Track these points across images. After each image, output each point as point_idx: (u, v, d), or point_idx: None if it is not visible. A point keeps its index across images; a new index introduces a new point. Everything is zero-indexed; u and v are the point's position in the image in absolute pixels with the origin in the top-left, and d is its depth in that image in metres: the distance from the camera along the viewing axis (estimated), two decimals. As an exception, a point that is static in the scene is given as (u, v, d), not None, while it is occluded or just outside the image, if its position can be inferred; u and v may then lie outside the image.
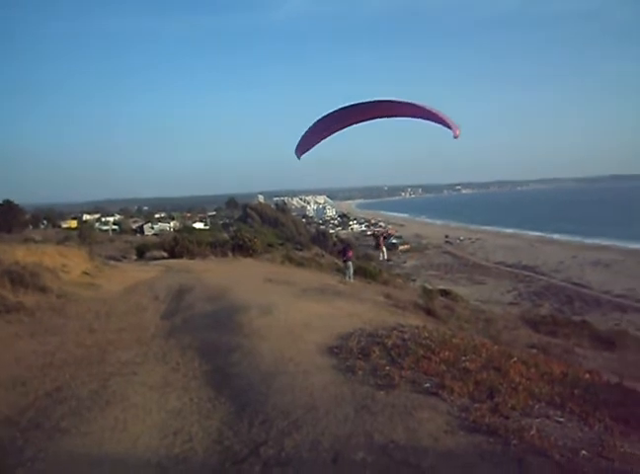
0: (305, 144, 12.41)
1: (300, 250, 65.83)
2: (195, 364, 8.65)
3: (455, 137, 10.73)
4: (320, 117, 12.00)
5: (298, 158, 12.50)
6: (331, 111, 11.86)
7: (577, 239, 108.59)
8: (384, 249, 25.00)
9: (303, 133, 12.28)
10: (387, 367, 7.14)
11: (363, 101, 11.45)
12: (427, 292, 22.97)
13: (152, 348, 9.96)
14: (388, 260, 24.02)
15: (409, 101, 11.23)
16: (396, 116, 11.84)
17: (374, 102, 11.41)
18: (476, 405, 5.80)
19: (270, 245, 45.17)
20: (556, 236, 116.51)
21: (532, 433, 5.00)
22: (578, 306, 55.74)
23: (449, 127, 10.81)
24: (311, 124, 12.23)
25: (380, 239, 25.80)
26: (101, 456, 5.43)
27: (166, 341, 10.46)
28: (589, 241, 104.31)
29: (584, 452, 4.74)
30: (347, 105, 11.70)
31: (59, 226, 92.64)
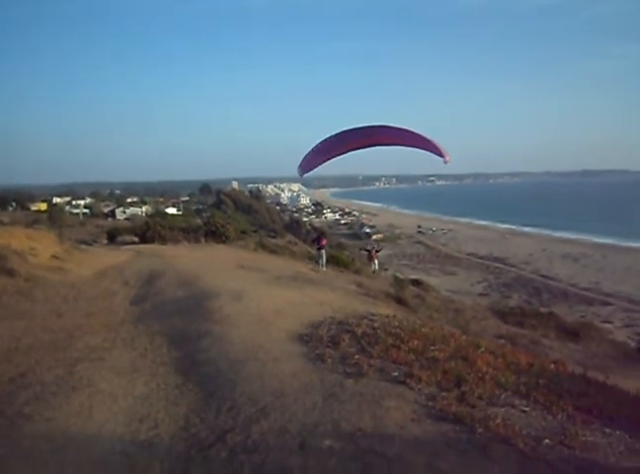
0: (308, 165, 13.23)
1: (274, 237, 65.61)
2: (163, 350, 8.57)
3: (446, 163, 11.90)
4: (322, 139, 12.78)
5: (300, 176, 13.31)
6: (333, 134, 12.63)
7: (547, 232, 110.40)
8: (376, 261, 26.66)
9: (306, 153, 13.01)
10: (356, 356, 7.17)
11: (363, 126, 12.14)
12: (398, 282, 23.15)
13: (121, 333, 9.83)
14: (373, 271, 25.26)
15: (405, 128, 12.01)
16: (393, 145, 12.54)
17: (373, 128, 12.11)
18: (443, 394, 5.87)
19: (243, 232, 45.01)
20: (527, 229, 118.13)
21: (498, 421, 5.08)
22: (546, 298, 56.80)
23: (441, 155, 11.78)
24: (314, 145, 12.97)
25: (372, 252, 27.14)
26: (65, 443, 5.32)
27: (135, 326, 10.34)
28: (558, 234, 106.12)
29: (547, 441, 4.84)
30: (347, 129, 12.44)
31: (28, 209, 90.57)
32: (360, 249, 35.23)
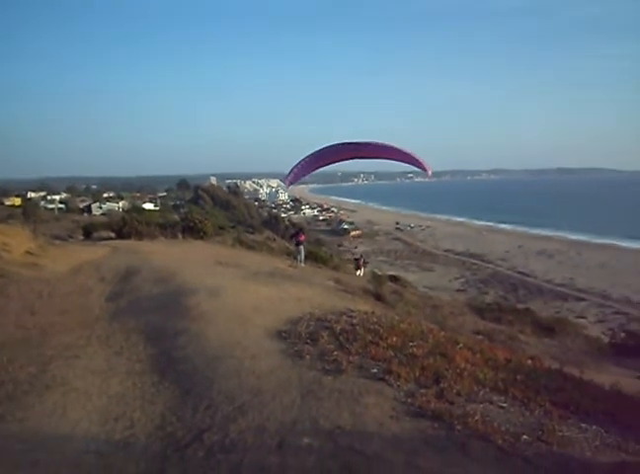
0: (294, 177, 14.32)
1: (252, 233, 65.36)
2: (139, 348, 8.44)
3: (429, 177, 13.64)
4: (309, 153, 13.81)
5: (287, 187, 14.55)
6: (320, 148, 13.60)
7: (523, 229, 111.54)
8: (362, 269, 28.43)
9: (293, 166, 14.06)
10: (335, 352, 7.14)
11: (352, 142, 13.00)
12: (376, 278, 23.12)
13: (96, 330, 9.66)
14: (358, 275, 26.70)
15: (391, 145, 13.06)
16: (380, 158, 13.68)
17: (361, 144, 12.95)
18: (422, 390, 5.86)
19: (221, 227, 44.58)
20: (504, 226, 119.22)
21: (476, 418, 5.09)
22: (522, 294, 57.37)
23: (424, 169, 13.12)
24: (301, 159, 14.01)
25: (360, 261, 29.29)
26: (37, 443, 5.21)
27: (110, 323, 10.17)
28: (534, 231, 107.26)
29: (525, 437, 4.86)
30: (336, 144, 13.33)
31: (2, 203, 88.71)
32: (350, 258, 38.26)
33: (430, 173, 13.57)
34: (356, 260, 30.86)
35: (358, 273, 28.02)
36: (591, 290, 58.31)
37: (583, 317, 45.85)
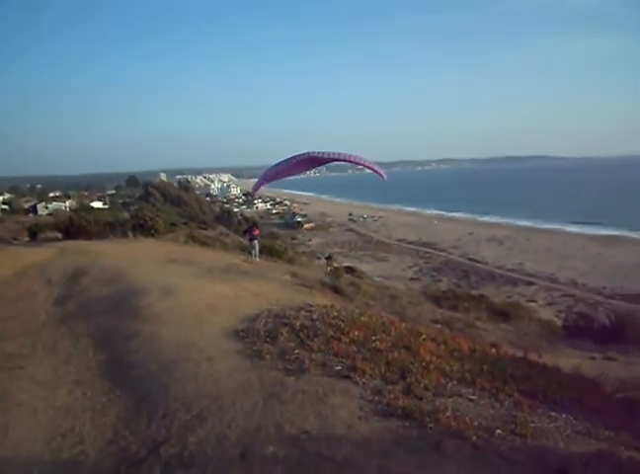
0: (259, 185, 15.83)
1: (205, 229, 64.18)
2: (89, 354, 7.95)
3: (383, 181, 14.99)
4: (273, 164, 14.88)
5: (252, 195, 15.86)
6: (283, 159, 14.47)
7: (473, 217, 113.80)
8: (331, 264, 31.57)
9: (259, 179, 15.54)
10: (296, 350, 6.84)
11: (313, 153, 13.82)
12: (333, 270, 22.94)
13: (42, 337, 9.12)
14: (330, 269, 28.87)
15: (349, 155, 14.26)
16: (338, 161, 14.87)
17: (322, 155, 13.89)
18: (389, 387, 5.63)
19: (173, 224, 43.57)
20: (454, 214, 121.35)
21: (448, 414, 4.89)
22: (474, 280, 58.46)
23: (379, 173, 14.69)
24: (266, 171, 15.35)
25: (331, 258, 33.96)
26: (-27, 467, 4.75)
27: (57, 329, 9.62)
28: (484, 219, 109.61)
29: (498, 431, 4.70)
30: (297, 155, 14.11)
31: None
32: (320, 257, 43.99)
33: (384, 178, 15.09)
34: (326, 258, 35.10)
35: (327, 267, 30.11)
36: (539, 274, 60.01)
37: (533, 301, 47.08)
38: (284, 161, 14.35)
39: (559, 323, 23.14)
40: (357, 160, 14.35)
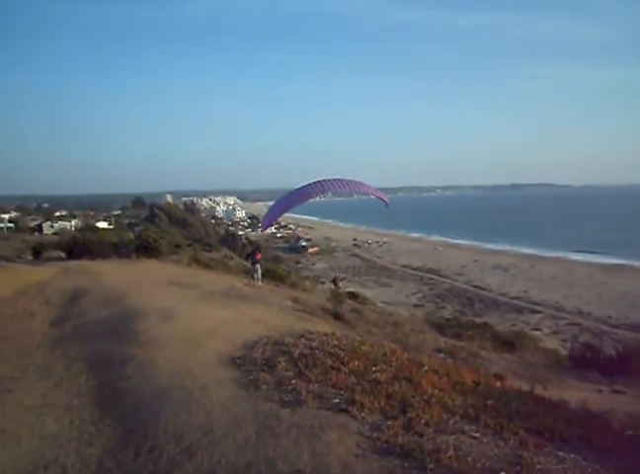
0: (269, 223, 17.40)
1: (209, 251, 64.17)
2: (81, 379, 7.75)
3: (386, 206, 16.55)
4: (280, 198, 16.23)
5: (262, 231, 17.06)
6: (290, 192, 15.71)
7: (478, 244, 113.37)
8: (339, 284, 35.00)
9: (266, 214, 16.63)
10: (294, 381, 6.60)
11: (318, 181, 14.96)
12: (335, 296, 22.70)
13: (35, 359, 8.95)
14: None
15: (353, 180, 15.20)
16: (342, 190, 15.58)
17: (327, 182, 14.95)
18: (389, 422, 5.38)
19: (177, 246, 43.52)
20: (459, 241, 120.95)
21: (450, 453, 4.63)
22: (478, 308, 57.87)
23: (382, 199, 15.96)
24: (275, 203, 16.43)
25: (337, 280, 37.41)
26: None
27: (52, 351, 9.45)
28: (489, 246, 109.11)
29: (502, 474, 4.43)
30: (305, 185, 15.17)
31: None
32: (323, 282, 46.10)
33: (387, 204, 16.53)
34: (332, 281, 38.19)
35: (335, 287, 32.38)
36: (544, 302, 59.36)
37: (538, 329, 46.48)
38: (293, 193, 15.40)
39: (564, 352, 22.77)
40: (361, 189, 15.30)
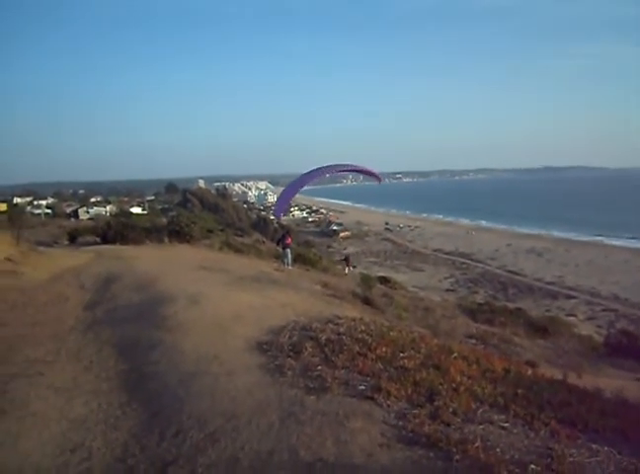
0: (282, 209, 20.20)
1: (241, 236, 64.53)
2: (110, 363, 7.81)
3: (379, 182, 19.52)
4: (291, 183, 17.80)
5: (278, 219, 18.51)
6: (300, 176, 17.34)
7: (512, 227, 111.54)
8: (350, 267, 34.75)
9: (279, 200, 19.05)
10: (319, 367, 6.53)
11: (324, 166, 16.82)
12: (365, 281, 22.58)
13: (67, 343, 9.03)
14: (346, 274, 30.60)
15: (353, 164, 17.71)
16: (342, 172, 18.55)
17: (331, 167, 16.92)
18: (415, 411, 5.26)
19: (209, 231, 43.81)
20: (492, 225, 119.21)
21: (477, 444, 4.49)
22: (511, 293, 57.06)
23: (375, 176, 18.27)
24: (287, 188, 17.86)
25: (349, 261, 35.11)
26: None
27: (84, 335, 9.53)
28: (522, 230, 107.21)
29: (532, 466, 4.27)
30: (313, 169, 16.95)
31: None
32: (340, 259, 43.80)
33: (381, 180, 19.29)
34: (344, 259, 35.62)
35: (346, 270, 31.26)
36: (579, 288, 58.24)
37: (573, 315, 45.68)
38: (301, 178, 17.01)
39: (600, 339, 22.30)
40: (356, 169, 17.56)
